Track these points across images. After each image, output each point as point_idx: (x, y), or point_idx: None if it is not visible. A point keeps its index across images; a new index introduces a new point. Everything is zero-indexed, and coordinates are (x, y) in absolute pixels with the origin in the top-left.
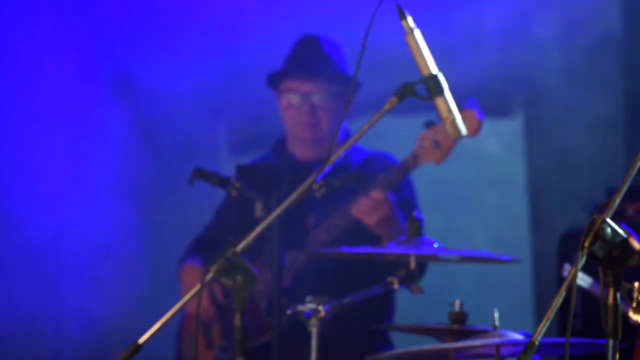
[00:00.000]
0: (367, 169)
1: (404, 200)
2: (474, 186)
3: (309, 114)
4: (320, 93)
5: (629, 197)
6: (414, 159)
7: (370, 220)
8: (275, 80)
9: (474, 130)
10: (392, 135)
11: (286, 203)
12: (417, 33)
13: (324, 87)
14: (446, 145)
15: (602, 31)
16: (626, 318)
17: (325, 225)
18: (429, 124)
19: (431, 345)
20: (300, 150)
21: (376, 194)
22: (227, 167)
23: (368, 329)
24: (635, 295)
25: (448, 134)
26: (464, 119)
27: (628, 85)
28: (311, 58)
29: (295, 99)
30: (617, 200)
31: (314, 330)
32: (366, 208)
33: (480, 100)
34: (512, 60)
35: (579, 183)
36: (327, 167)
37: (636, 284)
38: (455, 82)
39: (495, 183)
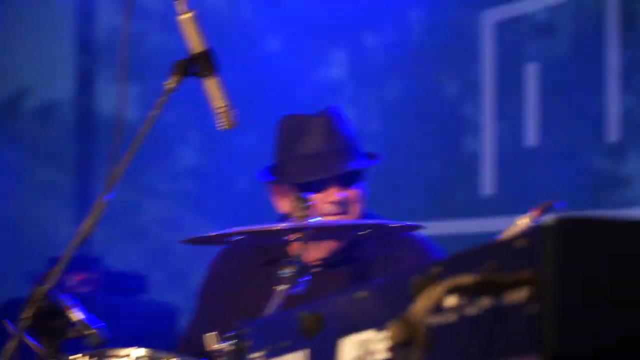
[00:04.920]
0: None
1: None
2: None
3: None
4: None
5: (73, 268)
6: None
7: None
8: None
9: None
10: None
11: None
12: None
13: None
14: None
15: (53, 97)
16: None
17: None
18: None
19: None
20: None
21: None
22: None
23: None
24: None
25: None
26: None
27: (77, 151)
28: None
29: None
30: (60, 270)
31: None
32: None
33: None
34: None
35: (23, 252)
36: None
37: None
38: None
39: None
